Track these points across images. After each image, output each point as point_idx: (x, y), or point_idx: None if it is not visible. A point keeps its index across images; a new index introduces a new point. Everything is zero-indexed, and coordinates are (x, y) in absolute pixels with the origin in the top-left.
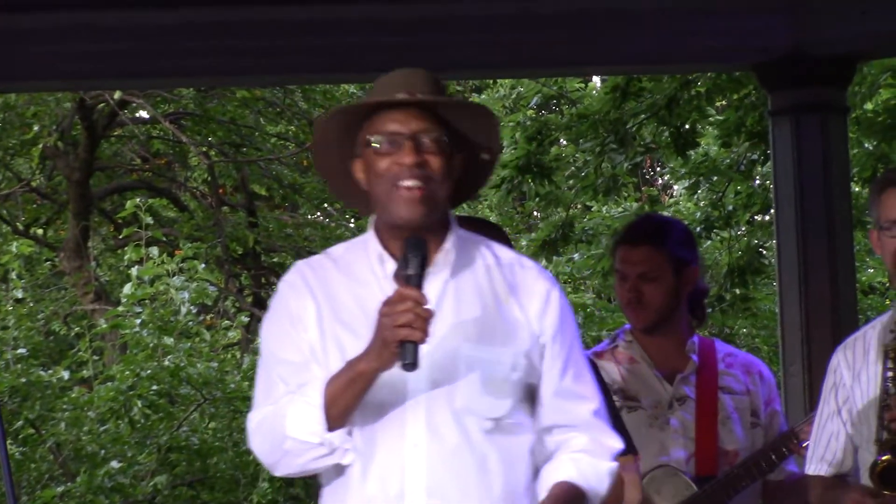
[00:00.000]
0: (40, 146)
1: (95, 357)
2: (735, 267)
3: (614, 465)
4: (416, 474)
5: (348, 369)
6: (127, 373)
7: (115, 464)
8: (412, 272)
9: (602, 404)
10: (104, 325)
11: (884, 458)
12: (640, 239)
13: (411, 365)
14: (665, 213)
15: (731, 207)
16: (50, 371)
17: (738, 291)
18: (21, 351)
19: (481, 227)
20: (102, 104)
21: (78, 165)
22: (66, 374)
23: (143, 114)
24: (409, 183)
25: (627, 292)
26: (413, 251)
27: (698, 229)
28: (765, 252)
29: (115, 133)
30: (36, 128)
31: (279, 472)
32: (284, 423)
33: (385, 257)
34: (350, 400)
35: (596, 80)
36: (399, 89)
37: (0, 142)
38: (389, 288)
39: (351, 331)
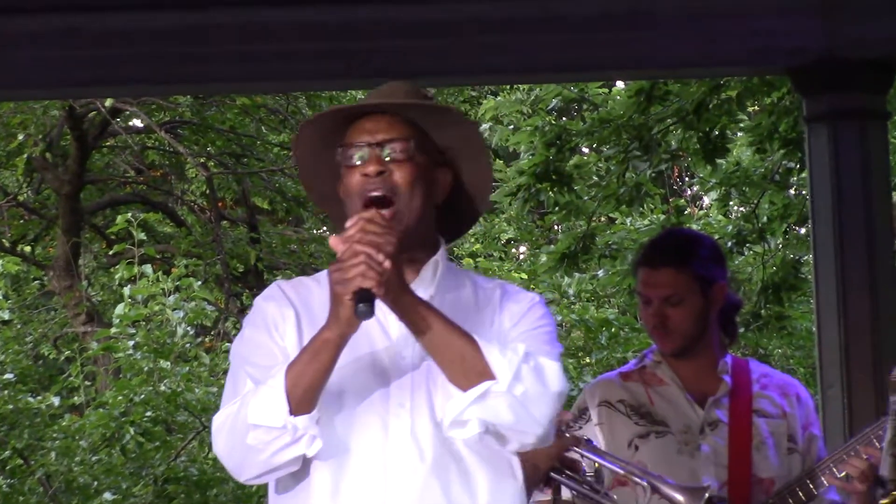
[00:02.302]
0: (25, 156)
1: (87, 382)
2: (769, 283)
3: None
4: (399, 489)
5: (312, 342)
6: (120, 398)
7: (108, 496)
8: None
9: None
10: (96, 348)
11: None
12: (662, 260)
13: (365, 310)
14: (692, 227)
15: (765, 219)
16: (39, 397)
17: (772, 309)
18: (8, 376)
19: None
20: (93, 113)
21: (68, 178)
22: (56, 401)
23: (137, 122)
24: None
25: (652, 317)
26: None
27: (729, 244)
28: (801, 267)
29: (108, 143)
30: (21, 137)
31: (245, 477)
32: (247, 411)
33: None
34: (314, 376)
35: (619, 83)
36: (375, 98)
37: None
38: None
39: None
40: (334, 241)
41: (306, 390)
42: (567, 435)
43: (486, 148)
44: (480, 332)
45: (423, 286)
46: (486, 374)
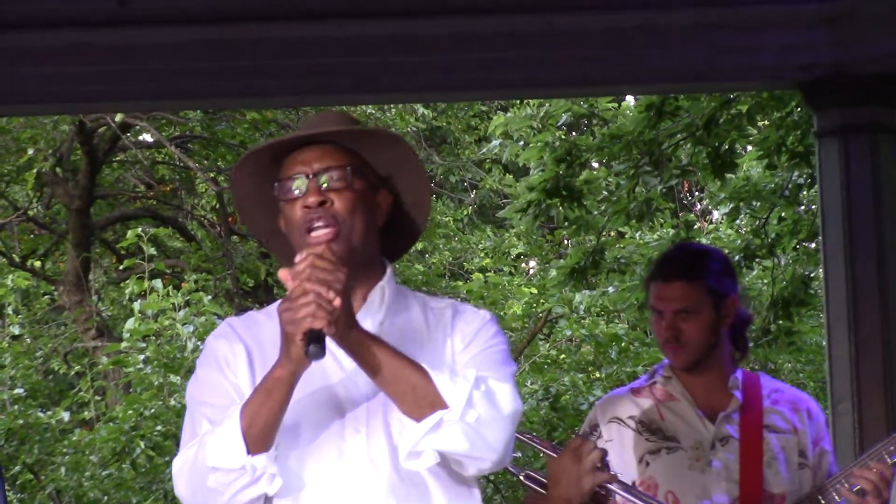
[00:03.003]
0: (35, 171)
1: (98, 397)
2: (779, 299)
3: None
4: None
5: (264, 381)
6: (130, 412)
7: None
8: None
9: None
10: (106, 363)
11: None
12: (674, 274)
13: (315, 351)
14: (703, 241)
15: (774, 235)
16: (49, 412)
17: (782, 324)
18: (18, 391)
19: None
20: (104, 127)
21: (78, 193)
22: (66, 416)
23: (148, 137)
24: (316, 234)
25: (665, 330)
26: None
27: (737, 258)
28: (811, 282)
29: (118, 158)
30: (31, 151)
31: None
32: (205, 454)
33: None
34: (269, 414)
35: (629, 99)
36: (306, 130)
37: None
38: None
39: None
40: (283, 275)
41: (262, 429)
42: (600, 471)
43: (422, 166)
44: (433, 354)
45: (372, 312)
46: (437, 403)
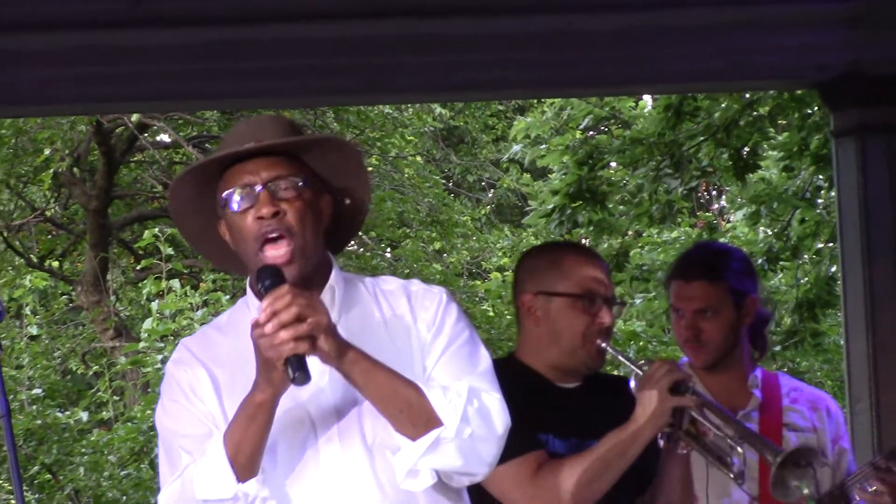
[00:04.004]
0: (51, 171)
1: (116, 397)
2: (804, 301)
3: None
4: None
5: (245, 407)
6: (148, 412)
7: None
8: (271, 287)
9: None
10: (124, 363)
11: None
12: (695, 273)
13: (302, 378)
14: (722, 241)
15: (796, 237)
16: (67, 413)
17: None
18: (37, 391)
19: None
20: (121, 128)
21: (95, 193)
22: (84, 416)
23: (165, 137)
24: (271, 251)
25: (685, 330)
26: (265, 276)
27: (760, 261)
28: (835, 284)
29: (135, 158)
30: (48, 152)
31: None
32: (193, 488)
33: None
34: (254, 440)
35: (647, 99)
36: (248, 139)
37: (12, 169)
38: None
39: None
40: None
41: (249, 455)
42: (676, 395)
43: (363, 163)
44: (398, 346)
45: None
46: (432, 421)
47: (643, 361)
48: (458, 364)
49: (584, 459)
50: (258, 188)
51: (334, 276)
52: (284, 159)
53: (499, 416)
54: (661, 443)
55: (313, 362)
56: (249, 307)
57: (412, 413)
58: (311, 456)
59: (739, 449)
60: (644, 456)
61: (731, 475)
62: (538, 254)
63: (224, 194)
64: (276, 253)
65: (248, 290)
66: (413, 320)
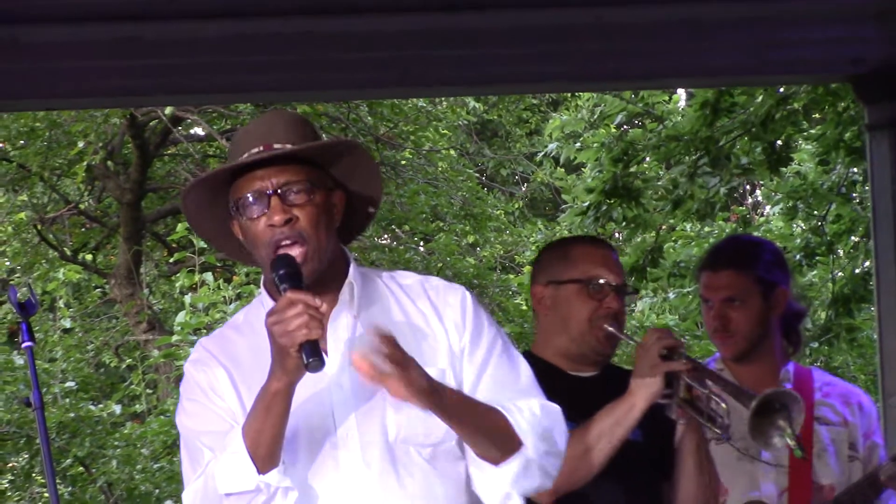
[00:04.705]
0: (85, 164)
1: (149, 390)
2: (839, 296)
3: (548, 403)
4: None
5: (261, 397)
6: None
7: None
8: (285, 276)
9: (530, 385)
10: (157, 356)
11: None
12: (724, 263)
13: (317, 363)
14: (755, 234)
15: (832, 233)
16: (100, 405)
17: (843, 322)
18: (70, 384)
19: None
20: (154, 121)
21: (129, 186)
22: (117, 409)
23: (199, 131)
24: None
25: (713, 319)
26: (280, 266)
27: (797, 257)
28: (870, 279)
29: (169, 152)
30: (81, 144)
31: None
32: (215, 484)
33: None
34: (273, 430)
35: (680, 93)
36: (256, 142)
37: (46, 162)
38: None
39: None
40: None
41: (268, 446)
42: (668, 360)
43: (371, 157)
44: (418, 339)
45: (345, 308)
46: (515, 443)
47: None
48: (503, 375)
49: (581, 431)
50: (271, 194)
51: (352, 272)
52: (294, 162)
53: (562, 433)
54: (679, 430)
55: (329, 356)
56: (264, 306)
57: (498, 438)
58: (330, 451)
59: (724, 404)
60: (661, 440)
61: (730, 439)
62: (550, 248)
63: (236, 200)
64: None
65: (263, 289)
66: (438, 318)
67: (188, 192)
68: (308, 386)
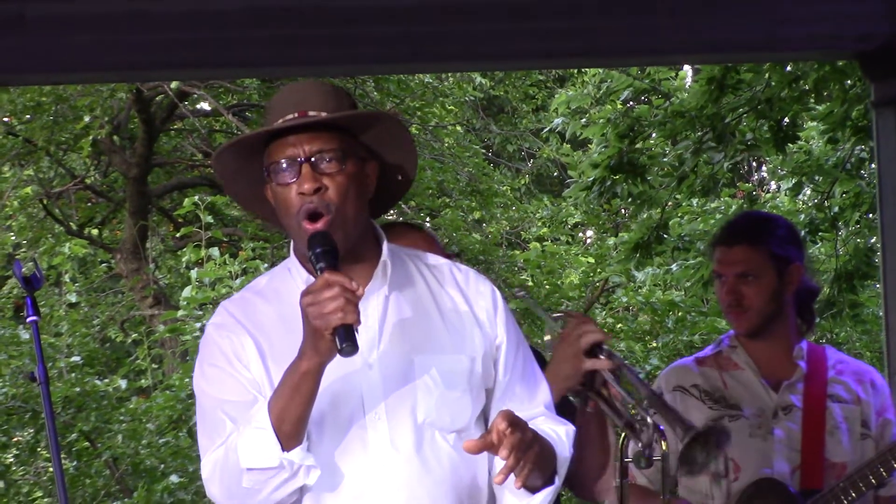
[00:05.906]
0: (91, 138)
1: (154, 365)
2: (843, 272)
3: (571, 427)
4: (385, 497)
5: (290, 375)
6: (187, 380)
7: (174, 478)
8: (322, 255)
9: (550, 399)
10: (163, 331)
11: None
12: (737, 238)
13: (350, 349)
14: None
15: (836, 209)
16: (106, 380)
17: (846, 297)
18: (75, 359)
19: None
20: (161, 96)
21: (135, 161)
22: (123, 384)
23: (205, 105)
24: (309, 227)
25: (726, 295)
26: (317, 244)
27: (802, 232)
28: (874, 255)
29: (175, 126)
30: (87, 119)
31: None
32: (238, 457)
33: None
34: (300, 408)
35: (687, 69)
36: (291, 108)
37: (52, 136)
38: None
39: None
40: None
41: (294, 424)
42: (592, 356)
43: (407, 131)
44: (447, 325)
45: (378, 286)
46: (552, 477)
47: (558, 314)
48: (532, 384)
49: None
50: (302, 162)
51: (386, 251)
52: (329, 131)
53: (568, 448)
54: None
55: (359, 334)
56: (293, 274)
57: (546, 472)
58: (358, 432)
59: (649, 419)
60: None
61: (640, 444)
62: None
63: (269, 165)
64: (317, 225)
65: (293, 256)
66: (469, 306)
67: (219, 154)
68: (338, 365)
